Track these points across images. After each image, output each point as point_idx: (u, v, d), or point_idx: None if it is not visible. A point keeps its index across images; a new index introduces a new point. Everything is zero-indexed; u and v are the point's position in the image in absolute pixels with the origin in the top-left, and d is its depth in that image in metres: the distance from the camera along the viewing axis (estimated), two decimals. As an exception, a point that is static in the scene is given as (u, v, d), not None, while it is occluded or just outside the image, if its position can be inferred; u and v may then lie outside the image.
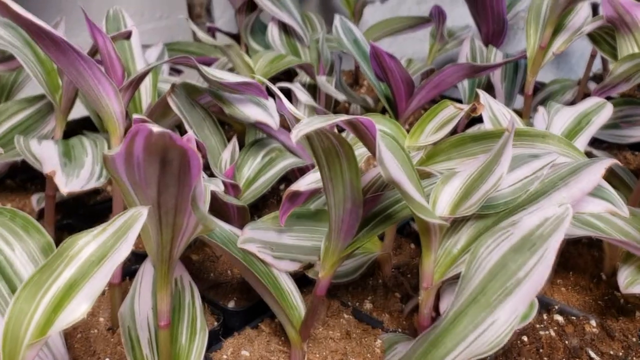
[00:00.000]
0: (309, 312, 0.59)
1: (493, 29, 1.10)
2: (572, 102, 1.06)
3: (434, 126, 0.63)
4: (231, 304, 0.71)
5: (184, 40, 1.44)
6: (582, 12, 0.87)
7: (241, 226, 0.65)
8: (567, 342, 0.65)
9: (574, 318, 0.68)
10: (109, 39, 0.64)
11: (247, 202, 0.74)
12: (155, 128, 0.35)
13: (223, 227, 0.62)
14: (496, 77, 0.99)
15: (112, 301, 0.67)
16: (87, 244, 0.41)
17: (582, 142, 0.68)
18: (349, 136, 0.67)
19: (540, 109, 0.76)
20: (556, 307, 0.69)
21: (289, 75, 1.15)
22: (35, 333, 0.39)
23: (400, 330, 0.67)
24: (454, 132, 0.65)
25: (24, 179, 0.98)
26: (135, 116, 0.56)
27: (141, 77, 0.65)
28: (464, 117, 0.64)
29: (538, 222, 0.40)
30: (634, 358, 0.63)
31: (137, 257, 0.78)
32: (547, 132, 0.60)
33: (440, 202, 0.51)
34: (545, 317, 0.69)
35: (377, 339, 0.66)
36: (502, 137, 0.50)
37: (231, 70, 1.02)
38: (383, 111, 1.11)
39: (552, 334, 0.66)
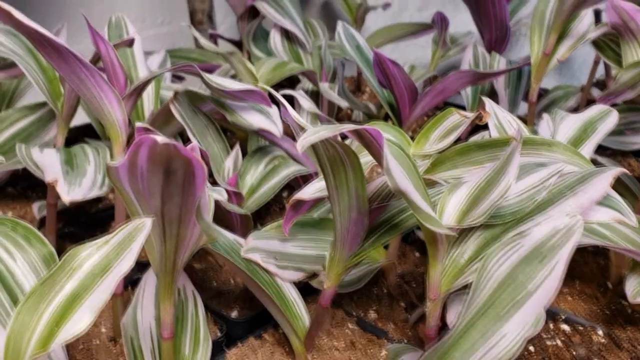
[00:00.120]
0: (314, 322, 0.58)
1: (496, 35, 1.09)
2: (576, 109, 1.05)
3: (439, 134, 0.63)
4: (234, 314, 0.71)
5: (186, 46, 1.44)
6: (586, 19, 0.86)
7: (244, 235, 0.64)
8: (574, 352, 0.64)
9: (580, 327, 0.67)
10: (112, 46, 0.64)
11: (250, 210, 0.74)
12: (160, 138, 0.35)
13: (226, 236, 0.61)
14: (500, 83, 0.98)
15: (114, 311, 0.66)
16: (89, 255, 0.40)
17: (588, 150, 0.67)
18: (354, 144, 0.67)
19: (545, 116, 0.75)
20: (562, 316, 0.69)
21: (291, 81, 1.15)
22: (37, 346, 0.38)
23: (405, 340, 0.67)
24: (456, 139, 0.64)
25: (25, 186, 0.98)
26: (138, 124, 0.56)
27: (144, 85, 0.65)
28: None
29: (548, 233, 0.39)
30: (642, 368, 0.62)
31: (139, 266, 0.77)
32: (553, 140, 0.60)
33: (447, 211, 0.50)
34: (551, 326, 0.68)
35: (382, 349, 0.65)
36: (510, 145, 0.49)
37: (233, 77, 1.02)
38: (385, 118, 1.10)
39: (559, 343, 0.65)
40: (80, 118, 0.94)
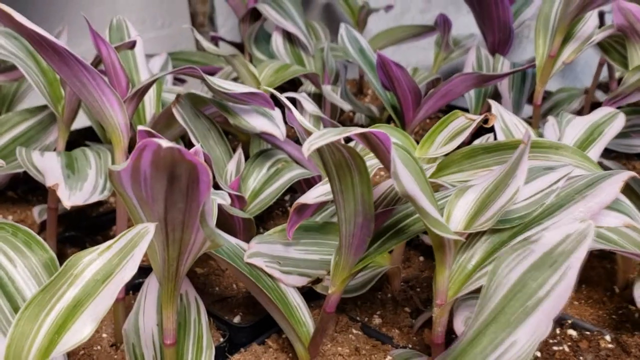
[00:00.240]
0: (318, 329, 0.58)
1: (499, 37, 1.08)
2: (580, 111, 1.05)
3: (445, 137, 0.62)
4: (237, 319, 0.70)
5: (187, 48, 1.43)
6: (591, 21, 0.85)
7: (247, 239, 0.63)
8: (581, 357, 0.63)
9: (587, 333, 0.66)
10: (113, 49, 0.63)
11: (253, 214, 0.73)
12: (164, 142, 0.34)
13: (229, 241, 0.61)
14: (504, 86, 0.97)
15: (116, 316, 0.65)
16: (91, 262, 0.39)
17: (595, 153, 0.66)
18: (358, 147, 0.66)
19: (550, 118, 0.75)
20: (569, 321, 0.68)
21: (293, 84, 1.14)
22: (37, 356, 0.37)
23: (410, 346, 0.66)
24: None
25: (26, 190, 0.97)
26: (140, 128, 0.55)
27: (146, 88, 0.64)
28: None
29: (559, 238, 0.39)
30: (651, 374, 0.62)
31: (140, 271, 0.77)
32: (560, 144, 0.59)
33: (455, 216, 0.49)
34: (558, 331, 0.67)
35: (387, 355, 0.64)
36: (518, 149, 0.48)
37: (235, 79, 1.01)
38: (388, 120, 1.10)
39: (566, 349, 0.64)
40: (82, 121, 0.93)
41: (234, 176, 0.75)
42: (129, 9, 1.44)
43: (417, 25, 1.29)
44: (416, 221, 0.53)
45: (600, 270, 0.77)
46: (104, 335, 0.68)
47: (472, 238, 0.51)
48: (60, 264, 0.42)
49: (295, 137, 0.97)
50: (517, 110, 0.97)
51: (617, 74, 1.10)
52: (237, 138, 1.01)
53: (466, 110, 0.89)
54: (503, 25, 1.06)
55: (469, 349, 0.39)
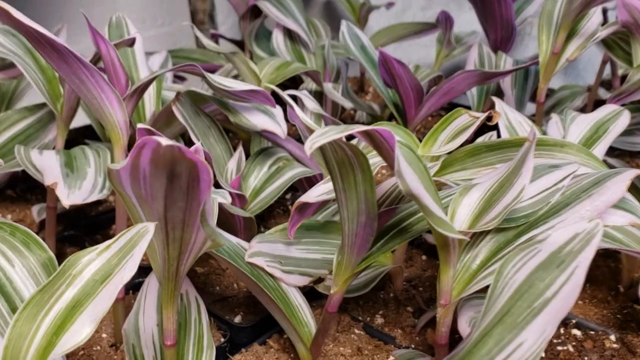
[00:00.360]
0: (320, 329, 0.57)
1: (501, 35, 1.08)
2: (582, 109, 1.04)
3: (448, 135, 0.61)
4: (238, 319, 0.69)
5: (187, 46, 1.42)
6: (595, 18, 0.85)
7: (248, 238, 0.63)
8: (586, 358, 0.62)
9: (592, 333, 0.66)
10: (112, 46, 0.62)
11: (254, 213, 0.72)
12: (164, 140, 0.33)
13: (230, 240, 0.60)
14: (506, 83, 0.97)
15: (116, 316, 0.65)
16: (90, 261, 0.39)
17: (599, 151, 0.66)
18: (360, 145, 0.65)
19: (554, 116, 0.74)
20: (573, 321, 0.67)
21: (294, 82, 1.13)
22: (35, 357, 0.37)
23: (413, 346, 0.65)
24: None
25: (24, 189, 0.96)
26: (139, 125, 0.54)
27: (145, 86, 0.63)
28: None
29: (567, 237, 0.38)
30: (657, 375, 0.61)
31: (140, 270, 0.76)
32: (565, 141, 0.58)
33: (459, 215, 0.49)
34: (562, 331, 0.67)
35: (390, 355, 0.63)
36: (523, 147, 0.47)
37: (236, 77, 1.01)
38: (390, 118, 1.09)
39: (571, 349, 0.64)
40: (81, 119, 0.92)
41: (234, 174, 0.74)
42: (128, 7, 1.43)
43: (418, 23, 1.28)
44: (420, 220, 0.53)
45: (605, 269, 0.76)
46: (104, 335, 0.67)
47: (476, 237, 0.51)
48: (60, 264, 0.41)
49: (296, 135, 0.96)
50: (519, 108, 0.97)
51: (620, 72, 1.09)
52: (237, 136, 1.00)
53: (468, 108, 0.89)
54: (505, 22, 1.05)
55: (474, 350, 0.38)
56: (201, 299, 0.60)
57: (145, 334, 0.56)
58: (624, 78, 1.07)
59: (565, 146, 0.58)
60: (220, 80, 0.67)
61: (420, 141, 0.64)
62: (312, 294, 0.65)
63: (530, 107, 1.03)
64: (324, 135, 0.39)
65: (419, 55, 1.38)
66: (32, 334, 0.37)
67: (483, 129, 0.75)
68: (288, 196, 0.94)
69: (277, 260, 0.60)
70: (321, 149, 0.46)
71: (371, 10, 1.30)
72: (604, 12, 1.08)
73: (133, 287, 0.74)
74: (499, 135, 0.69)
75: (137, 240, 0.39)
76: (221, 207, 0.64)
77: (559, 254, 0.38)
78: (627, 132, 0.88)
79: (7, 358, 0.37)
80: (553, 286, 0.37)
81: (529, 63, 0.89)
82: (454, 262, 0.48)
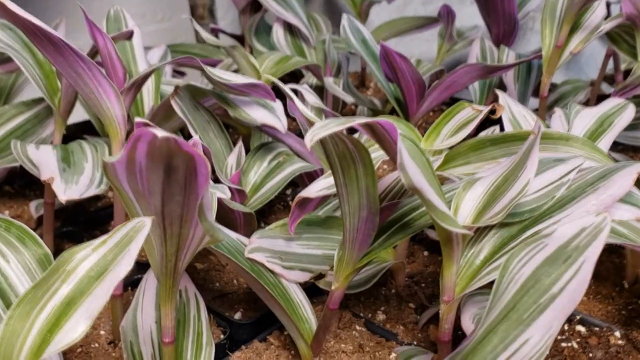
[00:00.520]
0: (321, 325, 0.56)
1: (504, 29, 1.07)
2: (585, 103, 1.03)
3: (451, 129, 0.61)
4: (238, 315, 0.68)
5: (187, 41, 1.41)
6: (598, 11, 0.84)
7: (248, 234, 0.62)
8: (591, 354, 0.61)
9: (597, 329, 0.65)
10: (110, 39, 0.61)
11: (254, 209, 0.71)
12: (160, 132, 0.32)
13: (230, 236, 0.59)
14: (509, 78, 0.96)
15: (114, 313, 0.64)
16: (85, 257, 0.38)
17: (604, 145, 0.65)
18: (362, 138, 0.64)
19: (557, 110, 0.73)
20: (577, 317, 0.66)
21: (294, 77, 1.12)
22: (29, 355, 0.36)
23: (415, 343, 0.64)
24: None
25: (22, 185, 0.95)
26: (137, 119, 0.53)
27: (143, 79, 0.62)
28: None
29: (574, 232, 0.37)
30: (662, 372, 0.60)
31: (139, 267, 0.75)
32: (570, 135, 0.57)
33: (463, 209, 0.48)
34: (566, 327, 0.66)
35: (392, 352, 0.62)
36: (528, 140, 0.47)
37: (236, 72, 0.99)
38: (391, 113, 1.08)
39: (575, 345, 0.63)
40: (80, 115, 0.91)
41: (234, 170, 0.73)
42: (128, 2, 1.41)
43: (420, 17, 1.27)
44: (422, 215, 0.52)
45: (609, 265, 0.75)
46: (102, 332, 0.66)
47: (480, 232, 0.50)
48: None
49: (297, 130, 0.95)
50: (522, 102, 0.96)
51: (623, 66, 1.08)
52: (237, 131, 1.00)
53: (470, 102, 0.88)
54: (508, 16, 1.04)
55: (479, 347, 0.38)
56: (200, 295, 0.59)
57: (143, 331, 0.56)
58: (627, 72, 1.06)
59: (570, 139, 0.57)
60: (219, 73, 0.66)
61: (422, 136, 0.63)
62: (312, 290, 0.64)
63: (533, 103, 1.02)
64: (324, 127, 0.38)
65: (421, 49, 1.37)
66: (26, 331, 0.36)
67: (485, 123, 0.74)
68: (289, 192, 0.93)
69: (278, 256, 0.59)
70: (322, 142, 0.45)
71: (372, 5, 1.29)
72: (608, 5, 1.07)
73: (132, 283, 0.73)
74: (502, 130, 0.68)
75: (134, 235, 0.38)
76: (221, 202, 0.63)
77: (565, 248, 0.37)
78: (630, 127, 0.87)
79: (0, 356, 0.36)
80: (560, 281, 0.37)
81: (532, 57, 0.88)
82: (457, 257, 0.47)
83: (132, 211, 0.41)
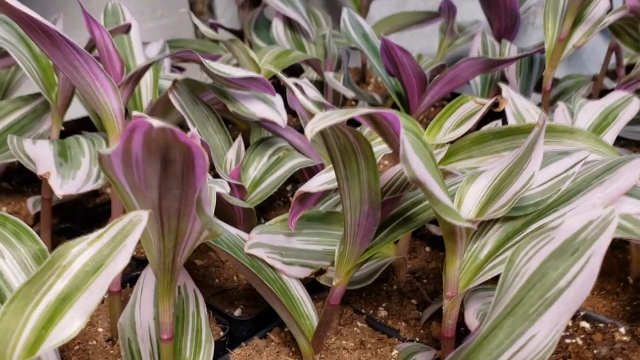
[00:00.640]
0: (322, 322, 0.55)
1: (505, 23, 1.06)
2: (588, 98, 1.02)
3: (454, 123, 0.60)
4: (238, 312, 0.68)
5: (186, 37, 1.40)
6: (602, 4, 0.82)
7: (248, 230, 0.61)
8: (596, 351, 0.61)
9: (601, 325, 0.64)
10: (107, 32, 0.60)
11: (254, 204, 0.71)
12: (156, 123, 0.32)
13: (230, 231, 0.58)
14: (511, 72, 0.95)
15: (112, 310, 0.63)
16: (81, 252, 0.37)
17: (609, 138, 0.64)
18: (364, 132, 0.63)
19: (560, 104, 0.72)
20: (582, 313, 0.66)
21: (294, 72, 1.11)
22: (24, 352, 0.35)
23: (418, 339, 0.63)
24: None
25: (21, 181, 0.95)
26: (135, 113, 0.52)
27: (141, 73, 0.61)
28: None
29: (582, 225, 0.36)
30: (669, 368, 0.59)
31: (138, 263, 0.75)
32: (575, 128, 0.56)
33: (466, 203, 0.47)
34: (570, 324, 0.65)
35: (394, 349, 0.62)
36: (532, 132, 0.46)
37: (236, 67, 0.99)
38: (392, 108, 1.07)
39: (580, 342, 0.62)
40: (80, 111, 0.91)
41: (234, 165, 0.73)
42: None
43: (420, 12, 1.26)
44: (425, 209, 0.51)
45: (613, 261, 0.75)
46: (100, 330, 0.65)
47: (484, 226, 0.49)
48: (52, 256, 0.39)
49: (297, 125, 0.94)
50: (525, 96, 0.95)
51: (625, 61, 1.07)
52: (237, 127, 0.99)
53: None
54: (510, 11, 1.03)
55: (484, 343, 0.37)
56: (200, 292, 0.58)
57: (141, 328, 0.55)
58: (629, 67, 1.06)
59: (575, 133, 0.56)
60: (218, 67, 0.66)
61: (424, 131, 0.62)
62: (313, 287, 0.63)
63: (535, 98, 1.01)
64: (325, 119, 0.37)
65: (422, 45, 1.36)
66: (20, 328, 0.35)
67: (487, 119, 0.73)
68: (289, 188, 0.92)
69: (278, 252, 0.58)
70: (323, 135, 0.44)
71: (373, 0, 1.28)
72: (610, -1, 1.06)
73: (131, 280, 0.72)
74: (505, 124, 0.67)
75: (131, 229, 0.37)
76: (220, 198, 0.62)
77: (573, 242, 0.36)
78: (634, 122, 0.86)
79: (-5, 353, 0.35)
80: (567, 275, 0.36)
81: (534, 50, 0.88)
82: (461, 252, 0.46)
83: (129, 205, 0.40)
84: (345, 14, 0.92)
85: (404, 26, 1.26)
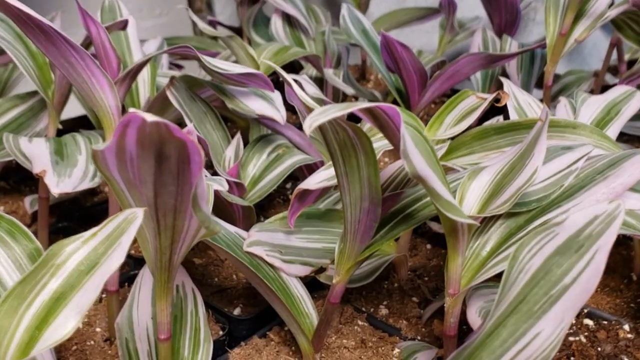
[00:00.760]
0: (322, 320, 0.54)
1: (505, 19, 1.05)
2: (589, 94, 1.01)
3: (454, 118, 0.59)
4: (237, 311, 0.67)
5: (184, 35, 1.40)
6: (603, -2, 0.82)
7: (247, 228, 0.60)
8: (599, 348, 0.60)
9: (605, 322, 0.63)
10: (103, 28, 0.60)
11: (253, 202, 0.70)
12: (149, 117, 0.31)
13: (228, 229, 0.57)
14: (512, 68, 0.94)
15: (109, 310, 0.62)
16: (75, 250, 0.36)
17: (612, 133, 0.63)
18: (364, 127, 0.63)
19: (562, 99, 0.71)
20: (585, 310, 0.65)
21: (293, 69, 1.10)
22: (17, 352, 0.34)
23: (419, 338, 0.63)
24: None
25: (18, 180, 0.94)
26: (131, 110, 0.52)
27: (138, 69, 0.61)
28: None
29: (586, 220, 0.35)
30: (673, 366, 0.58)
31: (135, 262, 0.74)
32: (578, 122, 0.56)
33: (468, 199, 0.46)
34: (574, 321, 0.64)
35: (395, 347, 0.61)
36: (535, 127, 0.45)
37: (234, 63, 0.98)
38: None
39: (583, 339, 0.61)
40: (78, 110, 0.90)
41: (232, 162, 0.72)
42: (125, -3, 1.40)
43: (420, 8, 1.25)
44: (426, 205, 0.50)
45: (617, 257, 0.74)
46: (98, 329, 0.65)
47: (486, 222, 0.48)
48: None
49: (296, 122, 0.94)
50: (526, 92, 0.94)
51: (626, 56, 1.06)
52: (236, 125, 0.98)
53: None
54: (510, 6, 1.03)
55: (488, 341, 0.36)
56: (198, 290, 0.57)
57: (139, 328, 0.54)
58: (631, 63, 1.05)
59: (578, 127, 0.55)
60: (216, 63, 0.65)
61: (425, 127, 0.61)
62: (313, 285, 0.63)
63: (536, 94, 1.00)
64: (324, 113, 0.36)
65: (422, 41, 1.35)
66: (14, 328, 0.35)
67: (488, 115, 0.72)
68: (288, 185, 0.92)
69: (277, 250, 0.58)
70: (321, 130, 0.43)
71: (372, -4, 1.27)
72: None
73: (128, 279, 0.71)
74: (506, 119, 0.67)
75: (126, 227, 0.36)
76: (218, 195, 0.62)
77: (577, 237, 0.35)
78: (636, 117, 0.85)
79: (-13, 354, 0.35)
80: (572, 272, 0.35)
81: (536, 45, 0.87)
82: (463, 249, 0.46)
83: (124, 202, 0.39)
84: (344, 10, 0.91)
85: (404, 22, 1.25)
